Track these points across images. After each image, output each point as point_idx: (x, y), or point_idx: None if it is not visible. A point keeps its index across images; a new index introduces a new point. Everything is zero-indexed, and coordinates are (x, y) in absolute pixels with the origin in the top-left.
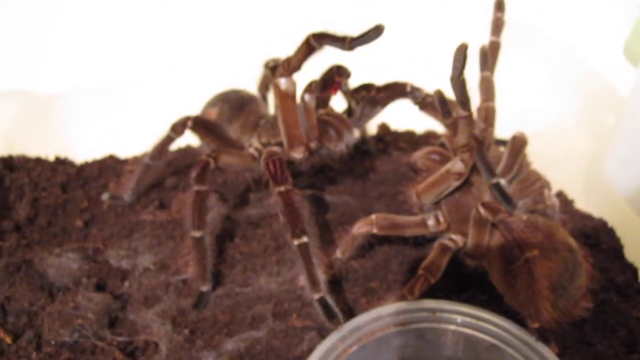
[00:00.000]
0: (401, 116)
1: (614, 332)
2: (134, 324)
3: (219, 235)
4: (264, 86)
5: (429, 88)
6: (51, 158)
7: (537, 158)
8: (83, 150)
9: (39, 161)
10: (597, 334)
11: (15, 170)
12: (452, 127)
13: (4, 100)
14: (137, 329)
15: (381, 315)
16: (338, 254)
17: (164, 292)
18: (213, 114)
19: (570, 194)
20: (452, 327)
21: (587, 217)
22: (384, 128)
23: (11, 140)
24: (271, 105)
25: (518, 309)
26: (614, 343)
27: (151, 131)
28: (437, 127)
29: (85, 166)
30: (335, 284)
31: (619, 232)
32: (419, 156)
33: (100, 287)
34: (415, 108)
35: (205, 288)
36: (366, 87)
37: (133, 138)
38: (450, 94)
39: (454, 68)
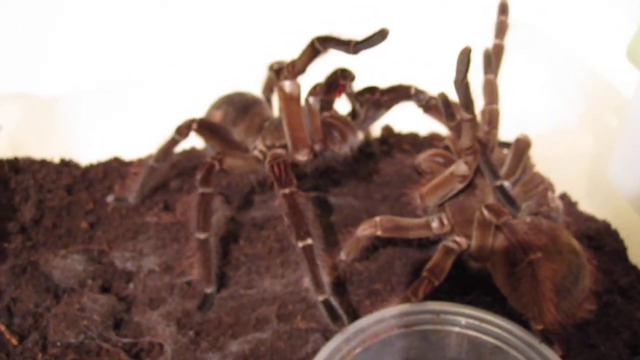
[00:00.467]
0: (405, 118)
1: (618, 334)
2: (139, 326)
3: (223, 237)
4: (268, 89)
5: (433, 91)
6: (56, 160)
7: (541, 160)
8: (88, 152)
9: (44, 163)
10: (600, 336)
11: (20, 172)
12: (456, 129)
13: (10, 102)
14: (142, 331)
15: (385, 317)
16: (342, 256)
17: (168, 293)
18: (218, 117)
19: (574, 196)
20: (456, 329)
21: (590, 219)
22: (388, 130)
23: (16, 142)
24: (275, 108)
25: (522, 311)
26: (617, 345)
27: (156, 133)
28: (441, 129)
29: (90, 168)
30: (340, 285)
31: (623, 234)
32: (423, 158)
33: (105, 289)
34: (419, 110)
35: (209, 290)
36: (370, 90)
37: (138, 140)
38: (454, 97)
39: (458, 71)
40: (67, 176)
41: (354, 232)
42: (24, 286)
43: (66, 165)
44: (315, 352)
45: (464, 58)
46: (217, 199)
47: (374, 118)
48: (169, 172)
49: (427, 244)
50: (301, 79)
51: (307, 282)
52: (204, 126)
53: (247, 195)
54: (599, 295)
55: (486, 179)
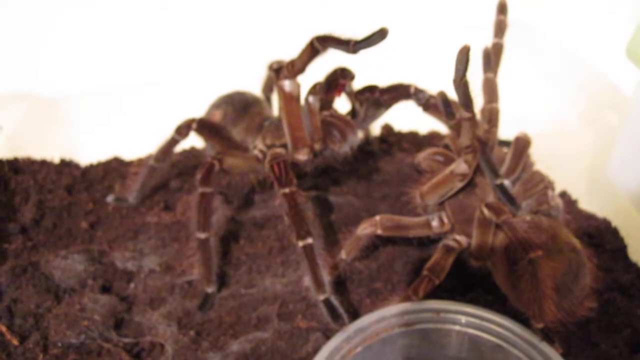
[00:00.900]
0: (405, 117)
1: (618, 332)
2: (140, 326)
3: (223, 237)
4: (268, 88)
5: (432, 89)
6: (56, 160)
7: (541, 159)
8: (88, 152)
9: (44, 163)
10: (601, 334)
11: (20, 172)
12: (456, 128)
13: (9, 102)
14: (143, 331)
15: (386, 316)
16: (342, 255)
17: (169, 293)
18: (217, 116)
19: (574, 194)
20: (457, 327)
21: (590, 217)
22: (387, 129)
23: (16, 142)
24: (275, 107)
25: (522, 309)
26: (618, 343)
27: (156, 133)
28: (441, 128)
29: (90, 168)
30: (340, 284)
31: (623, 232)
32: (422, 157)
33: (106, 289)
34: (419, 109)
35: (210, 289)
36: (370, 89)
37: (138, 140)
38: (454, 96)
39: (457, 70)
40: (67, 176)
41: (354, 231)
42: (25, 287)
43: (66, 165)
44: (316, 351)
45: (463, 57)
46: (217, 198)
47: (373, 117)
48: (169, 172)
49: (428, 242)
50: (301, 78)
51: (307, 281)
52: (204, 126)
53: (247, 194)
54: (600, 293)
55: (486, 177)
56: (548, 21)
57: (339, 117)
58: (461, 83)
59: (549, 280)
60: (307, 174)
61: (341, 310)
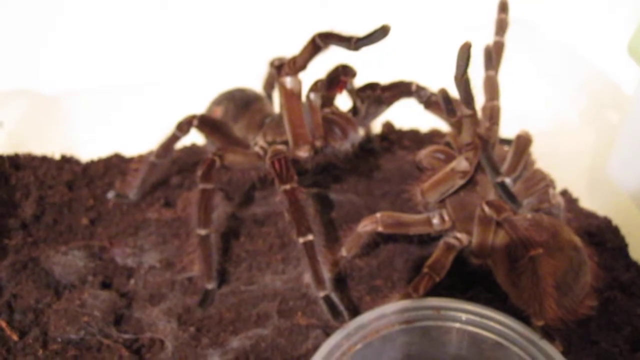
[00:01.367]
0: (406, 115)
1: (619, 330)
2: (140, 322)
3: (224, 234)
4: (269, 85)
5: (434, 87)
6: (57, 156)
7: (542, 157)
8: (89, 148)
9: (44, 159)
10: (601, 332)
11: (21, 168)
12: (457, 125)
13: (10, 99)
14: (143, 327)
15: (386, 313)
16: (343, 252)
17: (169, 289)
18: (218, 113)
19: (575, 193)
20: (457, 325)
21: (591, 215)
22: (388, 127)
23: (17, 138)
24: (276, 104)
25: (523, 307)
26: (618, 341)
27: (156, 129)
28: (442, 125)
29: (91, 164)
30: (340, 282)
31: (624, 231)
32: (423, 155)
33: (106, 285)
34: (420, 107)
35: (210, 286)
36: (371, 86)
37: (138, 136)
38: (455, 93)
39: (458, 67)
40: (67, 172)
41: (355, 228)
42: (25, 282)
43: (67, 161)
44: (316, 348)
45: (464, 54)
46: (218, 195)
47: (375, 114)
48: (170, 169)
49: (428, 240)
50: (302, 75)
51: (308, 278)
52: (205, 122)
53: (248, 191)
54: (600, 291)
55: (487, 175)
56: (549, 19)
57: (340, 114)
58: (462, 80)
59: (550, 278)
60: (307, 171)
61: (341, 307)
